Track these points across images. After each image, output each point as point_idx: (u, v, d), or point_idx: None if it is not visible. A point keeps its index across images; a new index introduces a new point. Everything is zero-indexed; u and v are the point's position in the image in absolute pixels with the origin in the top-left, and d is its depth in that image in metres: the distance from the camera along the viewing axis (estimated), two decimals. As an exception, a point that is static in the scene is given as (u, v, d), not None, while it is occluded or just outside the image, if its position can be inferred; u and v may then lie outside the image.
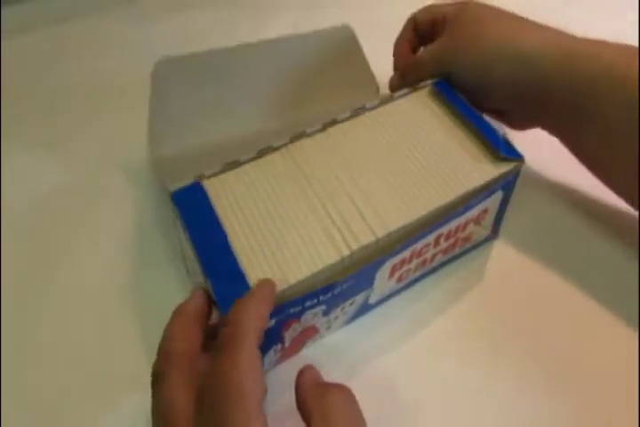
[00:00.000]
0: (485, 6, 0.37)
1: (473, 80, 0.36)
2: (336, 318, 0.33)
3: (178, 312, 0.29)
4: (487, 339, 0.36)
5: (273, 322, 0.29)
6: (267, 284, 0.28)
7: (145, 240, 0.40)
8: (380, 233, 0.30)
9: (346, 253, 0.30)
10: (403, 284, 0.36)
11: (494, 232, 0.39)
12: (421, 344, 0.35)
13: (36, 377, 0.35)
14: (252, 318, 0.26)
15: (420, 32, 0.40)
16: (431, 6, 0.39)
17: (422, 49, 0.40)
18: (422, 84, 0.37)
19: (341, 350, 0.35)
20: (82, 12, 0.57)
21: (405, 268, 0.34)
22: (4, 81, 0.50)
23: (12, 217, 0.42)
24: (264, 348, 0.30)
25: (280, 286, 0.28)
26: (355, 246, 0.30)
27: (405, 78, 0.39)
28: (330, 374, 0.33)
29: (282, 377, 0.32)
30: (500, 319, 0.36)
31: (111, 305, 0.37)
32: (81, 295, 0.38)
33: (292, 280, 0.29)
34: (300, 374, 0.28)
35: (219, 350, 0.25)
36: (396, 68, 0.41)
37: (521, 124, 0.39)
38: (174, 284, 0.38)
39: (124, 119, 0.46)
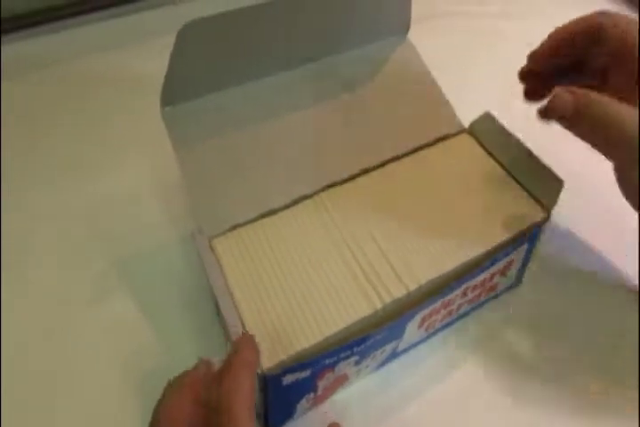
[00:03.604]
0: None
1: None
2: (367, 366, 0.34)
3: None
4: (512, 385, 0.36)
5: (308, 373, 0.29)
6: (247, 344, 0.27)
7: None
8: (412, 286, 0.31)
9: (379, 306, 0.31)
10: (430, 332, 0.37)
11: (518, 280, 0.40)
12: (447, 391, 0.36)
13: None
14: (240, 398, 0.25)
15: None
16: None
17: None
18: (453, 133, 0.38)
19: (369, 395, 0.36)
20: (86, 50, 0.57)
21: (434, 318, 0.35)
22: (4, 121, 0.50)
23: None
24: (297, 397, 0.31)
25: (315, 339, 0.29)
26: (387, 300, 0.31)
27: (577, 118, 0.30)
28: (357, 421, 0.34)
29: (308, 423, 0.34)
30: (525, 366, 0.37)
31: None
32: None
33: (327, 333, 0.29)
34: None
35: None
36: (533, 57, 0.35)
37: None
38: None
39: (142, 163, 0.47)
